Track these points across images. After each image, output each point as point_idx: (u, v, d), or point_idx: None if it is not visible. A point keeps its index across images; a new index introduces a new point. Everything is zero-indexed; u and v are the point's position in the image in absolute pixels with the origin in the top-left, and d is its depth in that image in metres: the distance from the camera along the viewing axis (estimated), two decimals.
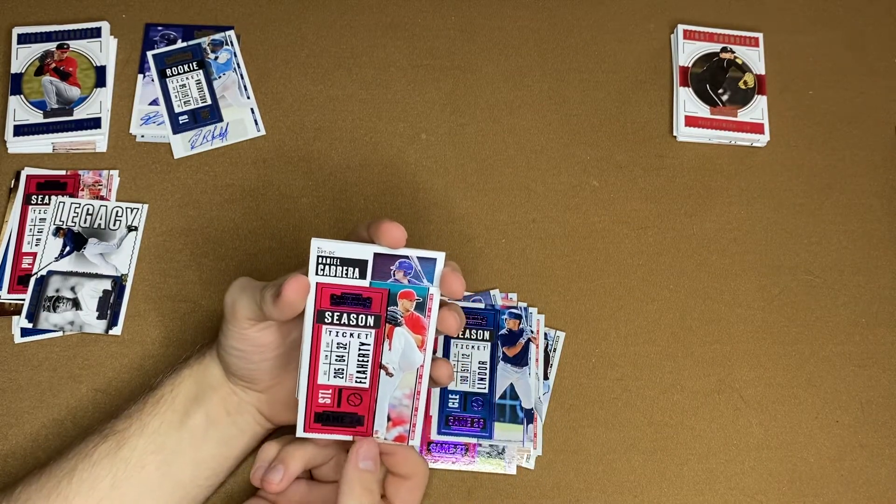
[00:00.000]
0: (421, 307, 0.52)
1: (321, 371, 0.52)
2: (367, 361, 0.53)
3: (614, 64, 0.77)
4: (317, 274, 0.50)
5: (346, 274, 0.50)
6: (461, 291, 0.51)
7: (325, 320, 0.52)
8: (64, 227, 0.67)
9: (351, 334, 0.52)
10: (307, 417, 0.53)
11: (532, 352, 0.65)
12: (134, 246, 0.67)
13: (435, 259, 0.51)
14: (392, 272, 0.51)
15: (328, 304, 0.52)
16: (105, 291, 0.65)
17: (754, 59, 0.77)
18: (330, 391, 0.53)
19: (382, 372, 0.53)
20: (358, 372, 0.53)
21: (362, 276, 0.51)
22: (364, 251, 0.50)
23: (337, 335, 0.52)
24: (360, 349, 0.53)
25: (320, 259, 0.50)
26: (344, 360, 0.53)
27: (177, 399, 0.55)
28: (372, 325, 0.52)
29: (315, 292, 0.51)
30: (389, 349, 0.53)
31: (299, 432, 0.53)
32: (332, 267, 0.50)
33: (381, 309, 0.52)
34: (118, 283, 0.66)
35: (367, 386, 0.53)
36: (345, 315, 0.52)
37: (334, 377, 0.53)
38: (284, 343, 0.54)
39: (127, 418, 0.55)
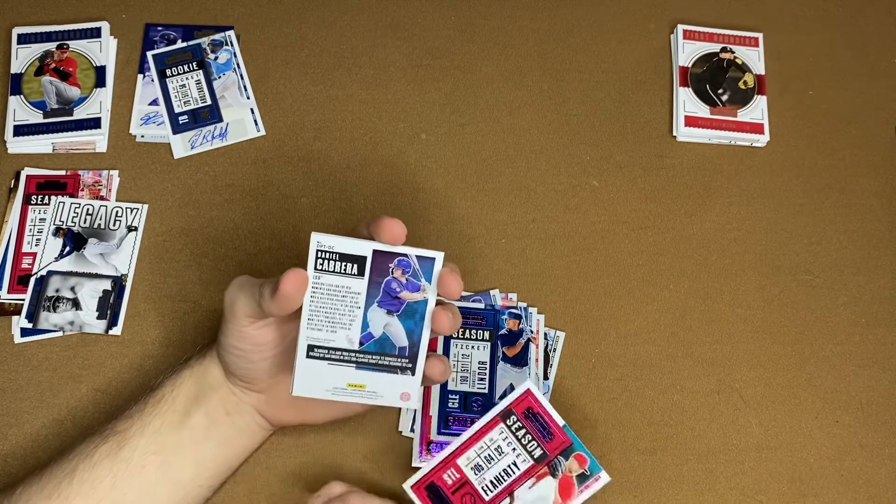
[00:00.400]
0: (582, 478, 0.55)
1: (466, 454, 0.55)
2: (505, 481, 0.55)
3: (614, 64, 0.77)
4: (316, 269, 0.50)
5: (345, 270, 0.51)
6: (458, 292, 0.51)
7: (507, 421, 0.56)
8: (64, 227, 0.67)
9: (514, 449, 0.55)
10: (422, 479, 0.55)
11: (532, 352, 0.65)
12: (134, 246, 0.67)
13: (433, 259, 0.51)
14: (390, 269, 0.51)
15: (520, 412, 0.56)
16: (105, 291, 0.65)
17: (754, 59, 0.77)
18: (458, 477, 0.55)
19: (508, 500, 0.54)
20: (491, 483, 0.55)
21: (360, 272, 0.51)
22: (363, 247, 0.51)
23: (503, 439, 0.56)
24: (509, 466, 0.55)
25: (319, 253, 0.50)
26: (491, 463, 0.55)
27: (177, 399, 0.55)
28: (536, 457, 0.55)
29: (521, 396, 0.56)
30: (529, 488, 0.55)
31: (406, 485, 0.54)
32: (330, 262, 0.50)
33: (554, 451, 0.55)
34: (118, 283, 0.66)
35: (487, 499, 0.55)
36: (523, 430, 0.56)
37: (471, 469, 0.55)
38: (283, 342, 0.54)
39: (128, 419, 0.55)
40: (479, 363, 0.64)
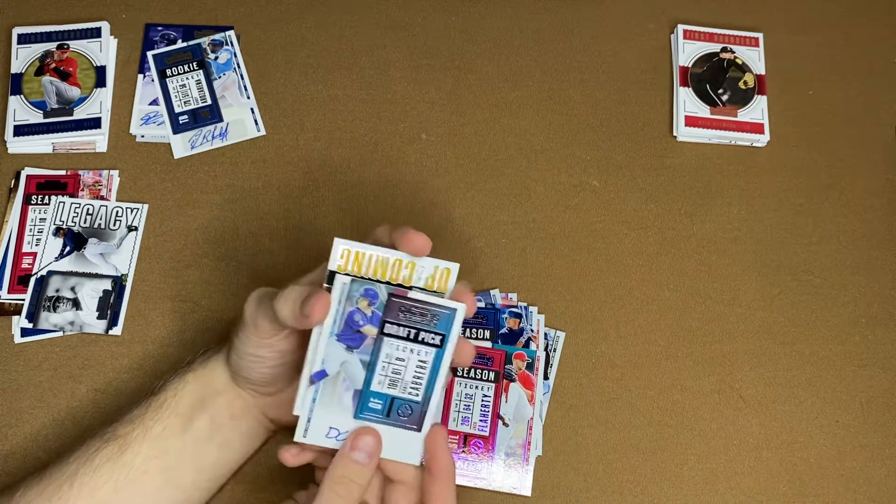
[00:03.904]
0: (530, 367, 0.62)
1: (450, 418, 0.61)
2: (489, 411, 0.61)
3: (614, 64, 0.77)
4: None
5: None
6: (473, 310, 0.50)
7: (458, 373, 0.62)
8: (64, 227, 0.67)
9: (477, 387, 0.62)
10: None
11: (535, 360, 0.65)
12: (134, 246, 0.67)
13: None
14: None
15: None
16: (105, 291, 0.65)
17: (754, 59, 0.77)
18: (458, 437, 0.61)
19: (500, 422, 0.59)
20: (481, 420, 0.61)
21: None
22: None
23: (465, 386, 0.62)
24: (482, 400, 0.61)
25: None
26: (470, 408, 0.61)
27: (180, 404, 0.55)
28: (493, 379, 0.62)
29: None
30: (506, 402, 0.61)
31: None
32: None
33: (500, 366, 0.62)
34: (118, 283, 0.66)
35: (487, 433, 0.61)
36: (471, 370, 0.63)
37: (462, 424, 0.61)
38: (303, 346, 0.54)
39: (129, 422, 0.54)
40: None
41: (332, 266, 0.49)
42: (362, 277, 0.49)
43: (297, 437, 0.50)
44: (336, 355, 0.49)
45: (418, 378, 0.50)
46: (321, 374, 0.49)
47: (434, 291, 0.50)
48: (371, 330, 0.49)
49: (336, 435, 0.50)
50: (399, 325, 0.49)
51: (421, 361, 0.49)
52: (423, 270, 0.50)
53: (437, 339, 0.49)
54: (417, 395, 0.50)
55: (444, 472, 0.51)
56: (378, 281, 0.49)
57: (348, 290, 0.48)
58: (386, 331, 0.49)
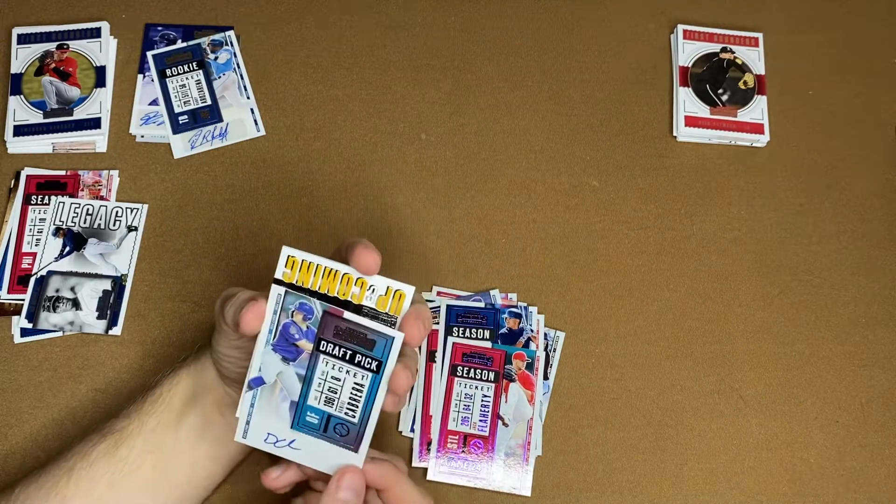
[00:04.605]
0: (530, 367, 0.61)
1: (450, 418, 0.61)
2: (489, 411, 0.61)
3: (614, 64, 0.77)
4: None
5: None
6: (415, 339, 0.48)
7: (457, 373, 0.62)
8: (64, 227, 0.67)
9: (477, 387, 0.62)
10: (436, 465, 0.60)
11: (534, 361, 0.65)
12: (134, 246, 0.67)
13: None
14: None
15: (460, 360, 0.62)
16: (105, 291, 0.65)
17: (754, 59, 0.77)
18: (458, 436, 0.61)
19: (500, 422, 0.58)
20: (481, 420, 0.61)
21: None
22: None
23: (464, 386, 0.62)
24: (482, 400, 0.61)
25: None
26: (470, 408, 0.61)
27: (174, 399, 0.55)
28: (493, 379, 0.62)
29: (451, 350, 0.62)
30: (506, 402, 0.61)
31: (430, 477, 0.59)
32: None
33: (500, 366, 0.62)
34: (118, 283, 0.66)
35: (487, 434, 0.60)
36: (470, 370, 0.62)
37: (461, 424, 0.61)
38: None
39: (126, 417, 0.55)
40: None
41: (277, 274, 0.48)
42: (300, 290, 0.48)
43: (237, 438, 0.50)
44: (273, 364, 0.48)
45: (354, 400, 0.48)
46: (258, 381, 0.49)
47: (385, 313, 0.48)
48: (306, 345, 0.48)
49: (274, 441, 0.49)
50: (334, 344, 0.48)
51: (357, 384, 0.48)
52: (374, 289, 0.48)
53: (374, 365, 0.48)
54: (354, 416, 0.48)
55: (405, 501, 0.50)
56: (319, 295, 0.48)
57: (283, 302, 0.47)
58: (321, 348, 0.48)
